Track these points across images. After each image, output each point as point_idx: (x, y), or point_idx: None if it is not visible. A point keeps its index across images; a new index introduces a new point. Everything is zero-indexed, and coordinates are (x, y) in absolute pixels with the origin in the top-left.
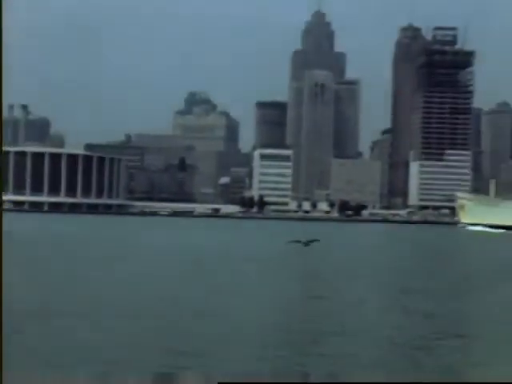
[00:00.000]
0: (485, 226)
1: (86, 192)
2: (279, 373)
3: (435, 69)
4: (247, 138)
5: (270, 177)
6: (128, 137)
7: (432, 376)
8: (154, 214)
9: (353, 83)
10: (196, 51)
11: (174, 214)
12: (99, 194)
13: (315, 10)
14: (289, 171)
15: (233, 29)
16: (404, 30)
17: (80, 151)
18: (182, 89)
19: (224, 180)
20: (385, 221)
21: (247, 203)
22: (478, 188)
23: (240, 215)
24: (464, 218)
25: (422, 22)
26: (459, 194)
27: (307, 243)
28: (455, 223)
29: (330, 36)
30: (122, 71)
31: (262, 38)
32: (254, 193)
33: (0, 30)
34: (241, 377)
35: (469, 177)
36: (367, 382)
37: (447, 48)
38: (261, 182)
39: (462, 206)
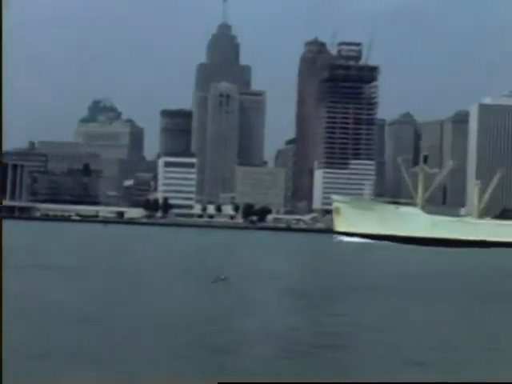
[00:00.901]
0: (360, 235)
1: None
2: (279, 373)
3: (339, 83)
4: (152, 145)
5: (174, 180)
6: (32, 144)
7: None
8: (61, 218)
9: (258, 94)
10: (101, 58)
11: (80, 218)
12: (1, 196)
13: (221, 22)
14: (193, 176)
15: (141, 38)
16: (309, 44)
17: None
18: (86, 97)
19: (128, 183)
20: (286, 229)
21: (152, 206)
22: (382, 194)
23: (144, 220)
24: (339, 222)
25: (327, 37)
26: (334, 197)
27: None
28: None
29: (235, 48)
30: (27, 79)
31: (168, 48)
32: (159, 195)
33: (0, 30)
34: (241, 377)
35: (371, 185)
36: (368, 382)
37: (352, 63)
38: (165, 185)
39: (338, 210)
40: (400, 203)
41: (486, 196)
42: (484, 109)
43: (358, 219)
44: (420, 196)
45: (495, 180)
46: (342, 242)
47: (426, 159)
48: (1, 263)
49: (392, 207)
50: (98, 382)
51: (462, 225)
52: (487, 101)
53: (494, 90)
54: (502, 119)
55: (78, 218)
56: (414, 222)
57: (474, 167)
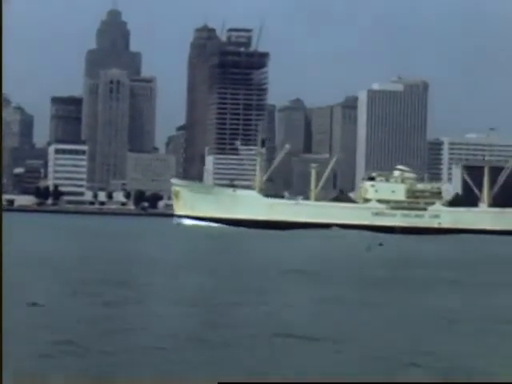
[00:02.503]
0: (199, 218)
1: None
2: (279, 373)
3: (229, 69)
4: (42, 133)
5: (65, 167)
6: None
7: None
8: None
9: (148, 81)
10: None
11: None
12: None
13: (110, 8)
14: (84, 163)
15: (30, 22)
16: (199, 30)
17: None
18: None
19: (18, 170)
20: (166, 215)
21: (42, 193)
22: (271, 179)
23: (35, 207)
24: (178, 206)
25: (217, 23)
26: (173, 181)
27: None
28: None
29: (125, 35)
30: None
31: (57, 34)
32: (50, 183)
33: (0, 30)
34: (241, 377)
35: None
36: (366, 382)
37: (242, 49)
38: (56, 172)
39: (177, 193)
40: (237, 186)
41: (323, 178)
42: (372, 94)
43: (197, 202)
44: (258, 179)
45: (332, 163)
46: (180, 224)
47: (263, 142)
48: (1, 259)
49: (229, 191)
50: (97, 382)
51: (298, 208)
52: (375, 87)
53: (383, 75)
54: (390, 105)
55: None
56: (251, 205)
57: (363, 152)
